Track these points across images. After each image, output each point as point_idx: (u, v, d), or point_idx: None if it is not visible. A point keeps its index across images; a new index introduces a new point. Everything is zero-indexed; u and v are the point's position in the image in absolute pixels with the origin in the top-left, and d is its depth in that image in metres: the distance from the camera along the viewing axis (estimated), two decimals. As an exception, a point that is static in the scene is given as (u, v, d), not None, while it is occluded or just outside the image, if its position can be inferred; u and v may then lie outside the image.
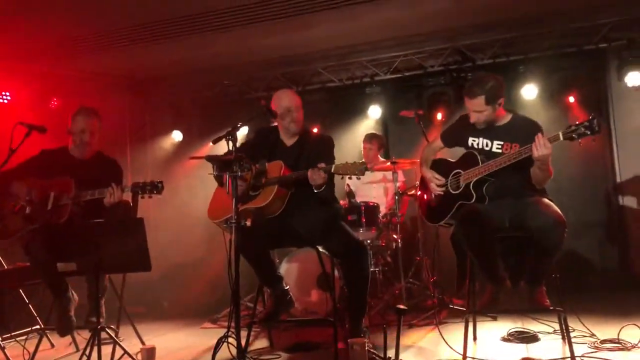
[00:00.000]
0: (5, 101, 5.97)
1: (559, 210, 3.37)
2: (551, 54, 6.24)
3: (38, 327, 4.38)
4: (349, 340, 3.30)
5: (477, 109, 3.57)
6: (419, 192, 4.26)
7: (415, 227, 5.81)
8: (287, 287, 3.88)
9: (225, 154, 3.51)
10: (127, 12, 5.31)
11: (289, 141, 3.95)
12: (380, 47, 6.59)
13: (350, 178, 3.48)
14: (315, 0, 5.24)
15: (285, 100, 3.87)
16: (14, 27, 5.24)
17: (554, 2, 5.57)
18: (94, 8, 5.18)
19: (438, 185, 3.85)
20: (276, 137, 3.98)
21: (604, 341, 3.56)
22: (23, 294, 4.53)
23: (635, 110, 6.27)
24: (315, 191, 3.53)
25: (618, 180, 6.37)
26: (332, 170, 3.42)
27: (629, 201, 6.33)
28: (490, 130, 3.66)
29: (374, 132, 6.42)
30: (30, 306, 4.53)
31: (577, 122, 3.15)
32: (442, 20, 5.90)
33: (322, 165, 3.44)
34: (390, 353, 3.31)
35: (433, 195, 3.91)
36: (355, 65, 6.92)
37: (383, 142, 6.27)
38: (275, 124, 4.02)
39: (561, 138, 3.19)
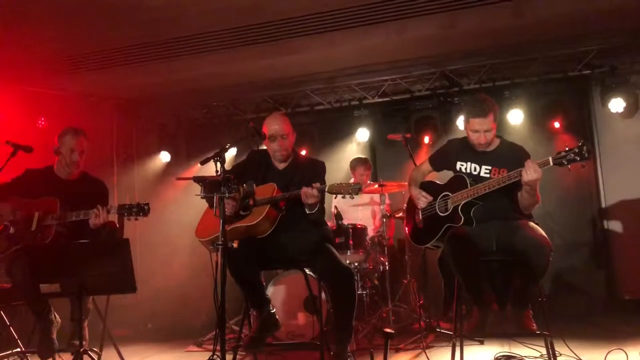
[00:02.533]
0: (-8, 120, 5.93)
1: (544, 234, 3.40)
2: (536, 80, 6.35)
3: (19, 350, 4.29)
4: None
5: (486, 127, 3.59)
6: (405, 215, 4.26)
7: (402, 250, 5.81)
8: (274, 310, 3.85)
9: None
10: (115, 33, 5.33)
11: (280, 165, 3.94)
12: (369, 71, 6.66)
13: (343, 197, 3.47)
14: (304, 24, 5.29)
15: (274, 126, 3.85)
16: (1, 48, 5.24)
17: (539, 30, 5.68)
18: (82, 29, 5.21)
19: (423, 205, 3.86)
20: (268, 160, 3.98)
21: (590, 365, 3.56)
22: (4, 316, 4.45)
23: (619, 135, 6.37)
24: (308, 212, 3.53)
25: (603, 204, 6.43)
26: (327, 189, 3.42)
27: (614, 225, 6.39)
28: (478, 155, 3.70)
29: (362, 156, 6.43)
30: (11, 328, 4.43)
31: (567, 148, 3.19)
32: (429, 46, 5.99)
33: (317, 184, 3.45)
34: (377, 377, 3.29)
35: (420, 217, 3.92)
36: (343, 89, 6.99)
37: (370, 165, 6.31)
38: (266, 147, 4.02)
39: (551, 163, 3.23)
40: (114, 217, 4.00)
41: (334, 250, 3.79)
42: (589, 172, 6.46)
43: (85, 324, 3.97)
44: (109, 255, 3.32)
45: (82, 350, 3.46)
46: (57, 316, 3.98)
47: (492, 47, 6.11)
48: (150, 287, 6.41)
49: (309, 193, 3.45)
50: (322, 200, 3.59)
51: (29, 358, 4.37)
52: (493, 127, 3.62)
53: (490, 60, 6.34)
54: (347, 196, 3.41)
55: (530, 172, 3.25)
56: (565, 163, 3.19)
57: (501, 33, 5.72)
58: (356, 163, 6.13)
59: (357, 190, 3.36)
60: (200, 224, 3.91)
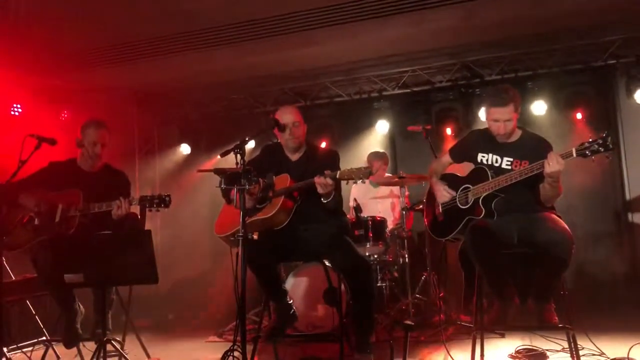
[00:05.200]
0: (17, 113, 6.02)
1: (566, 227, 3.36)
2: (559, 71, 6.25)
3: (44, 338, 4.38)
4: (355, 356, 3.28)
5: (506, 117, 3.55)
6: (425, 207, 4.23)
7: (422, 242, 5.79)
8: (291, 301, 3.88)
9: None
10: (136, 27, 5.37)
11: (294, 156, 3.96)
12: (389, 62, 6.62)
13: (355, 182, 3.45)
14: (324, 16, 5.27)
15: (286, 116, 3.88)
16: (25, 41, 5.31)
17: (562, 20, 5.58)
18: (104, 23, 5.25)
19: (444, 200, 3.84)
20: (280, 153, 4.00)
21: (613, 359, 3.50)
22: (30, 305, 4.54)
23: (644, 127, 6.26)
24: (324, 201, 3.53)
25: (627, 197, 6.33)
26: (337, 176, 3.41)
27: (638, 218, 6.29)
28: (500, 147, 3.66)
29: (379, 150, 6.38)
30: (37, 317, 4.53)
31: (590, 139, 3.13)
32: (450, 36, 5.93)
33: (328, 172, 3.45)
34: (397, 369, 3.29)
35: (440, 209, 3.89)
36: (363, 80, 6.95)
37: (387, 159, 6.24)
38: (279, 140, 4.03)
39: (574, 155, 3.18)
40: (135, 208, 4.05)
41: (352, 243, 3.80)
42: (612, 164, 6.36)
43: (109, 313, 4.04)
44: (131, 247, 3.36)
45: (105, 339, 3.51)
46: (80, 306, 4.05)
47: (513, 38, 6.03)
48: (171, 278, 6.48)
49: (322, 182, 3.43)
50: (338, 189, 3.58)
51: (54, 347, 4.46)
52: (514, 117, 3.57)
53: (512, 50, 6.25)
54: (359, 181, 3.39)
55: (552, 164, 3.20)
56: (589, 154, 3.13)
57: (523, 23, 5.63)
58: (373, 157, 6.05)
59: (367, 174, 3.33)
60: (219, 221, 3.94)
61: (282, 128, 3.84)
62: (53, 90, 6.29)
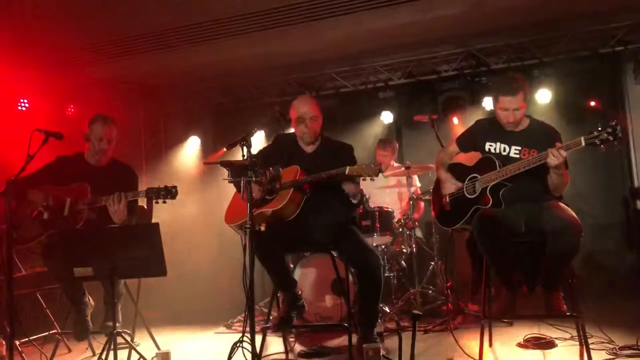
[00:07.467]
0: (23, 108, 6.03)
1: (574, 215, 3.35)
2: (566, 58, 6.20)
3: (55, 331, 4.42)
4: (363, 345, 3.30)
5: (515, 106, 3.54)
6: (432, 197, 4.23)
7: (430, 232, 5.79)
8: (300, 292, 3.89)
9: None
10: (142, 20, 5.37)
11: (308, 148, 3.94)
12: (394, 51, 6.58)
13: (364, 179, 3.47)
14: (328, 6, 5.25)
15: (302, 108, 3.85)
16: (31, 36, 5.32)
17: (569, 6, 5.53)
18: (110, 17, 5.25)
19: (450, 191, 3.83)
20: (294, 143, 3.98)
21: (622, 347, 3.50)
22: (41, 299, 4.58)
23: (652, 113, 6.21)
24: (353, 201, 3.64)
25: (636, 184, 6.30)
26: (347, 172, 3.42)
27: (646, 205, 6.25)
28: (507, 135, 3.65)
29: (387, 137, 6.38)
30: (48, 311, 4.57)
31: (599, 128, 3.11)
32: (456, 25, 5.88)
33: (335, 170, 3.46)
34: (405, 358, 3.30)
35: (448, 199, 3.89)
36: (368, 70, 6.93)
37: (396, 148, 6.24)
38: (293, 130, 4.02)
39: (583, 144, 3.16)
40: (142, 201, 4.06)
41: (360, 234, 3.80)
42: (620, 151, 6.32)
43: (118, 306, 4.07)
44: (140, 240, 3.37)
45: (115, 332, 3.54)
46: (90, 299, 4.08)
47: (519, 25, 5.98)
48: (180, 270, 6.49)
49: (352, 191, 3.57)
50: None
51: (65, 339, 4.50)
52: (523, 106, 3.56)
53: (518, 39, 6.20)
54: (368, 178, 3.39)
55: (551, 159, 3.23)
56: (598, 143, 3.11)
57: (529, 10, 5.58)
58: (376, 145, 6.11)
59: (376, 172, 3.35)
60: (229, 210, 3.94)
61: (288, 121, 3.84)
62: (60, 85, 6.30)
